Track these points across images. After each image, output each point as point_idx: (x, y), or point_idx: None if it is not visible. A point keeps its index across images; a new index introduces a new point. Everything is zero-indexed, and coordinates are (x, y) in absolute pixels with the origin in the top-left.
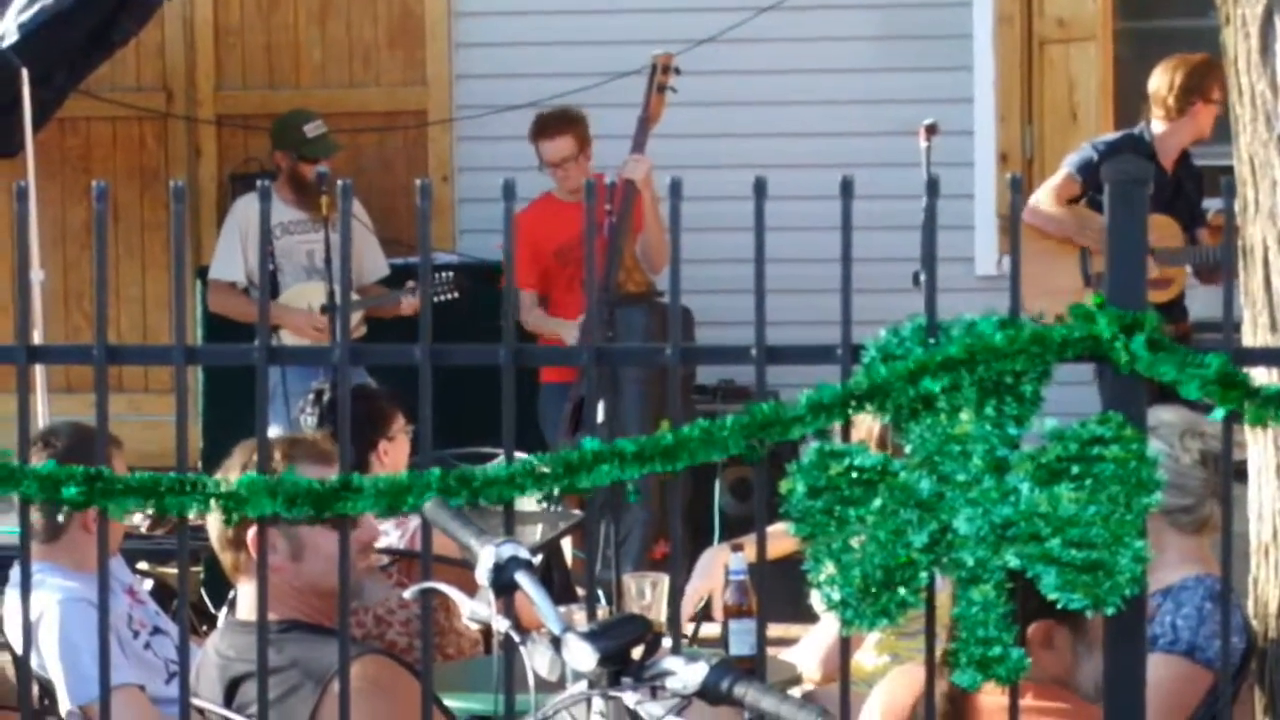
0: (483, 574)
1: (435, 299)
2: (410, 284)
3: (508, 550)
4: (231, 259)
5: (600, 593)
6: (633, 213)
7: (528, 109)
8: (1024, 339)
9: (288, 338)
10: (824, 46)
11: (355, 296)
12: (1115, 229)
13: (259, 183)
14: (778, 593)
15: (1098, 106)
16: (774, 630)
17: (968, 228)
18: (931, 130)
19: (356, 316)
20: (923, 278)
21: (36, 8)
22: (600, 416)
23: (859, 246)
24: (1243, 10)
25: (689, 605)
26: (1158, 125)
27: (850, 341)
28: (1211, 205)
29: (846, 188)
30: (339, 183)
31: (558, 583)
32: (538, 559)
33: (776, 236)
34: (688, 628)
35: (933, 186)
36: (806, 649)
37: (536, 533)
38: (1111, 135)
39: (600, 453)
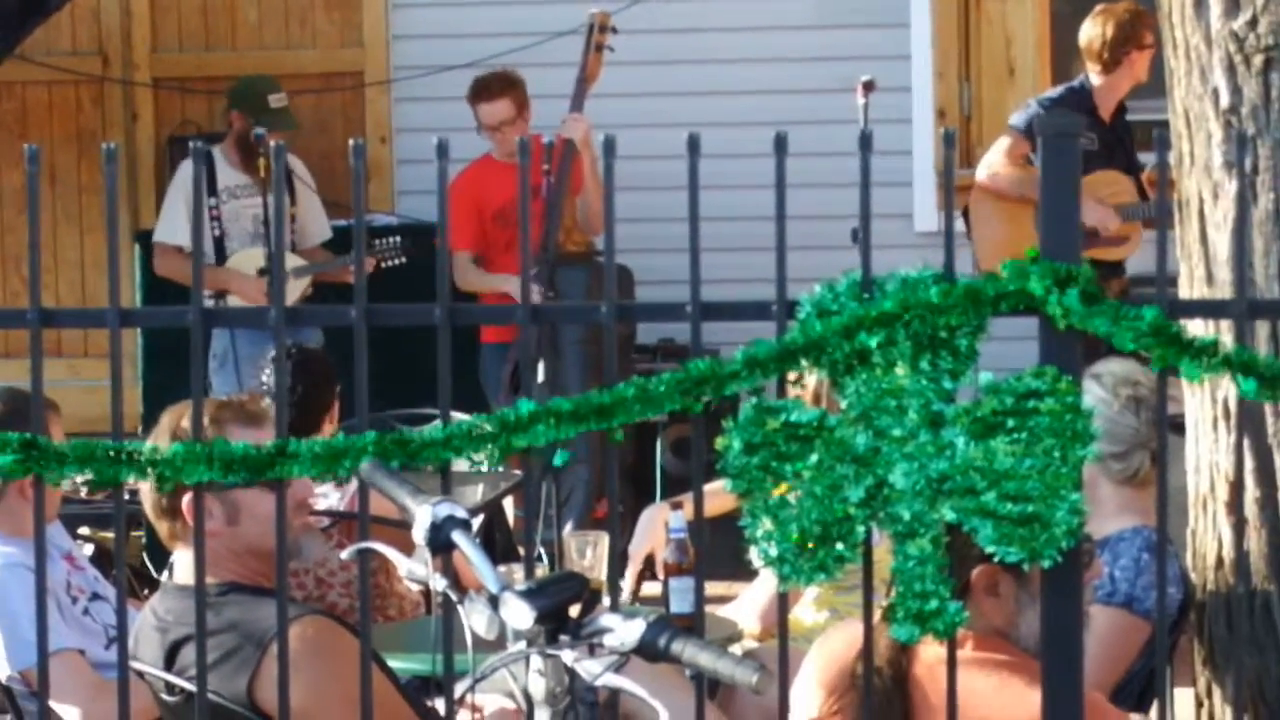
0: (419, 534)
1: (385, 264)
2: (319, 254)
3: (444, 510)
4: (176, 222)
5: (542, 553)
6: (571, 173)
7: (466, 69)
8: (958, 294)
9: (236, 302)
10: (761, 4)
11: (299, 261)
12: (1048, 182)
13: (192, 144)
14: (717, 550)
15: (1035, 62)
16: (714, 588)
17: (905, 184)
18: (869, 87)
19: (303, 281)
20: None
21: None
22: (540, 376)
23: (796, 204)
24: None
25: (632, 564)
26: (1095, 78)
27: (786, 298)
28: (1147, 160)
29: (780, 144)
30: (272, 144)
31: (500, 543)
32: (479, 520)
33: (713, 195)
34: (629, 586)
35: (865, 142)
36: (745, 605)
37: (478, 493)
38: (1054, 90)
39: (536, 412)
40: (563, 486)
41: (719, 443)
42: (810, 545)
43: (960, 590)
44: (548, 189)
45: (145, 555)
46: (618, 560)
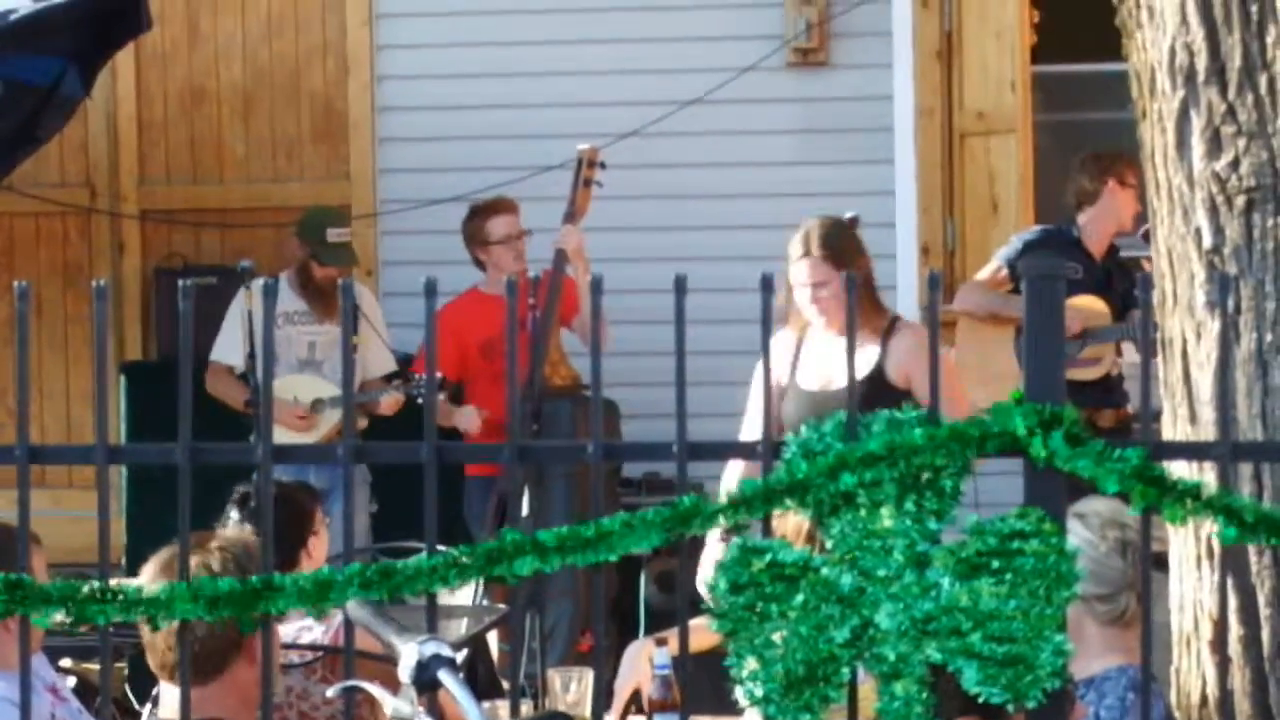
0: (405, 672)
1: (417, 398)
2: (396, 383)
3: (430, 648)
4: (232, 343)
5: (526, 687)
6: (560, 304)
7: (452, 203)
8: (943, 435)
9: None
10: (746, 140)
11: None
12: (1032, 325)
13: (264, 281)
14: (702, 686)
15: (1018, 198)
16: None
17: None
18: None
19: (338, 411)
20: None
21: None
22: (525, 510)
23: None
24: (1159, 105)
25: (617, 700)
26: (1081, 216)
27: (771, 437)
28: None
29: (766, 284)
30: (340, 282)
31: (482, 677)
32: (463, 654)
33: (700, 330)
34: None
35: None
36: None
37: (461, 626)
38: (1037, 228)
39: (521, 544)
40: (546, 620)
41: (705, 582)
42: (796, 685)
43: None
44: (533, 323)
45: (127, 687)
46: (603, 696)
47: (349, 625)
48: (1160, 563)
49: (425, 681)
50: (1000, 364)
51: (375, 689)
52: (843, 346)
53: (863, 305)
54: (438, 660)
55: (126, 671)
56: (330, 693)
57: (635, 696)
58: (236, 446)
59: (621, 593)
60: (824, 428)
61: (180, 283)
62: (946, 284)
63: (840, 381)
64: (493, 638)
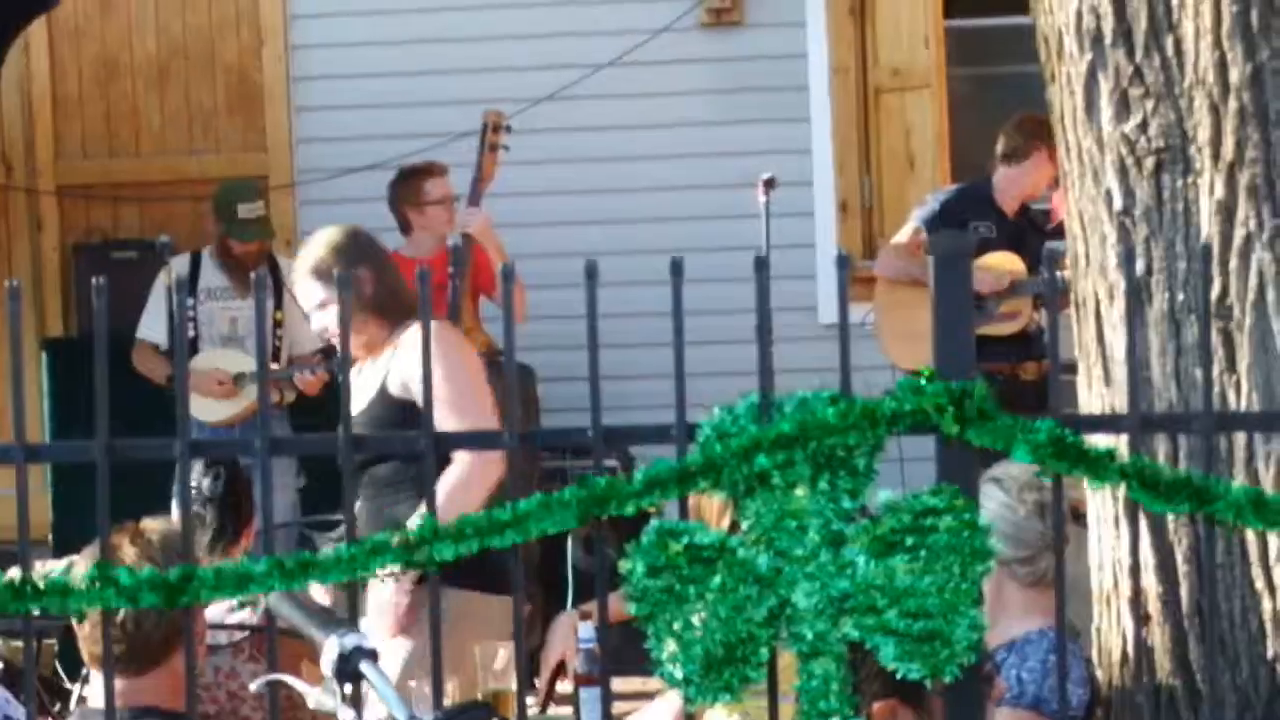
0: (327, 664)
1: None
2: (317, 359)
3: (351, 640)
4: (156, 320)
5: None
6: (471, 271)
7: (369, 171)
8: (855, 414)
9: (195, 399)
10: (662, 101)
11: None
12: (940, 300)
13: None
14: (629, 653)
15: (934, 153)
16: (631, 685)
17: (809, 277)
18: (769, 185)
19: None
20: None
21: None
22: None
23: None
24: (1067, 69)
25: (543, 672)
26: (999, 173)
27: (685, 420)
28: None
29: (676, 268)
30: (253, 275)
31: None
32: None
33: (614, 291)
34: (541, 695)
35: (761, 264)
36: (660, 713)
37: None
38: (953, 186)
39: (439, 529)
40: None
41: (621, 566)
42: (715, 666)
43: (857, 713)
44: (452, 292)
45: (57, 663)
46: (525, 669)
47: (271, 615)
48: (1079, 516)
49: (347, 673)
50: (919, 323)
51: (297, 683)
52: (370, 365)
53: (376, 318)
54: (359, 652)
55: (56, 648)
56: (253, 687)
57: (562, 667)
58: (154, 442)
59: (547, 557)
60: (737, 409)
61: (94, 281)
62: (865, 239)
63: (359, 405)
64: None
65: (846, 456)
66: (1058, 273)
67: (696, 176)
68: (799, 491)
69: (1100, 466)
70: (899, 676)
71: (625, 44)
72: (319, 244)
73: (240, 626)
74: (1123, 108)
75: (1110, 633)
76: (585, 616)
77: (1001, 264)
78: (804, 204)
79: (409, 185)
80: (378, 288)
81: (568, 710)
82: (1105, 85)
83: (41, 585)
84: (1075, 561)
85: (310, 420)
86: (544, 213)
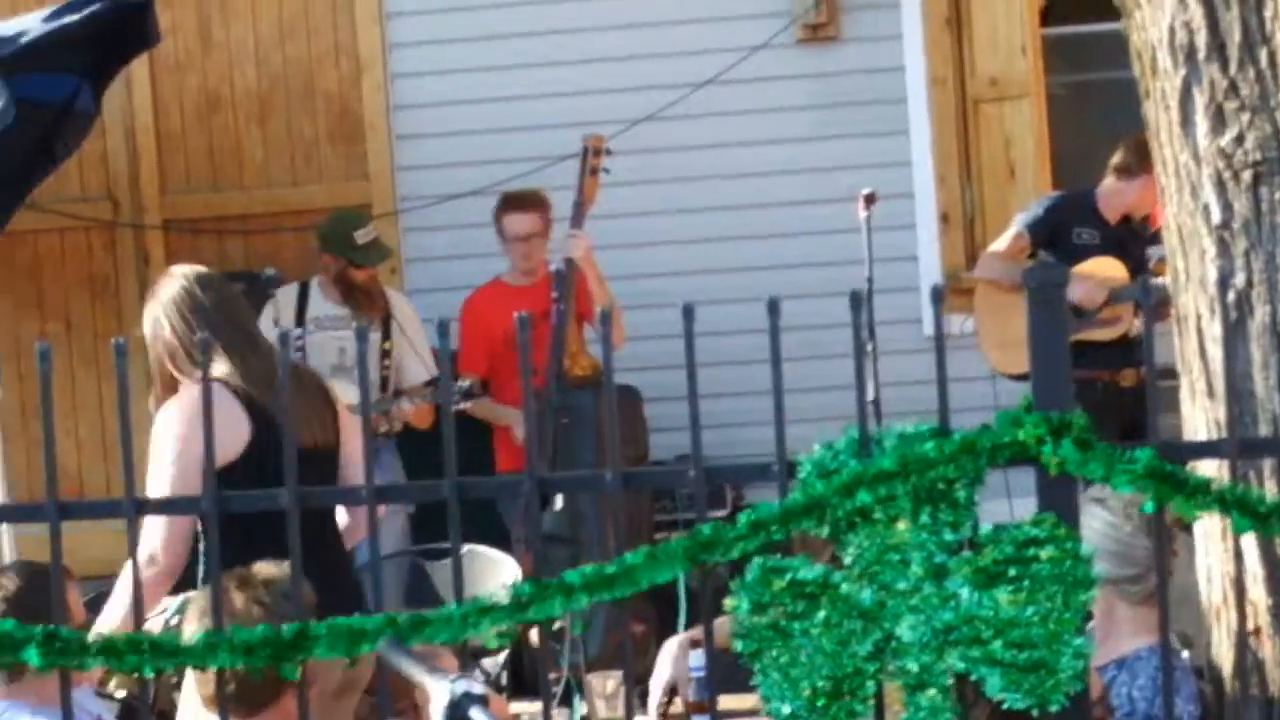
0: (437, 712)
1: (457, 408)
2: (426, 390)
3: (461, 686)
4: None
5: (571, 679)
6: (575, 295)
7: (471, 197)
8: (954, 447)
9: None
10: (760, 118)
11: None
12: (1036, 332)
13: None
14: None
15: (1035, 162)
16: (746, 702)
17: (913, 289)
18: (870, 200)
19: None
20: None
21: None
22: (559, 504)
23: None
24: (1162, 84)
25: (653, 697)
26: (1108, 182)
27: (785, 458)
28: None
29: (773, 308)
30: (354, 326)
31: (526, 670)
32: (505, 653)
33: (718, 310)
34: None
35: (856, 302)
36: None
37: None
38: (1057, 193)
39: (547, 587)
40: (586, 609)
41: (727, 604)
42: (821, 702)
43: None
44: (556, 316)
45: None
46: (632, 697)
47: (380, 664)
48: (1189, 528)
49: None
50: (1016, 329)
51: None
52: None
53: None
54: (469, 698)
55: (175, 679)
56: None
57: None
58: (263, 494)
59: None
60: (837, 445)
61: (196, 337)
62: (967, 250)
63: None
64: (535, 632)
65: (947, 490)
66: (1154, 279)
67: (797, 193)
68: (900, 525)
69: (1199, 495)
70: (1005, 707)
71: (722, 62)
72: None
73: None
74: (1219, 121)
75: (1220, 646)
76: (695, 644)
77: (1103, 270)
78: (905, 217)
79: (497, 214)
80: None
81: None
82: (1200, 100)
83: (158, 645)
84: (1188, 572)
85: (419, 449)
86: (644, 233)
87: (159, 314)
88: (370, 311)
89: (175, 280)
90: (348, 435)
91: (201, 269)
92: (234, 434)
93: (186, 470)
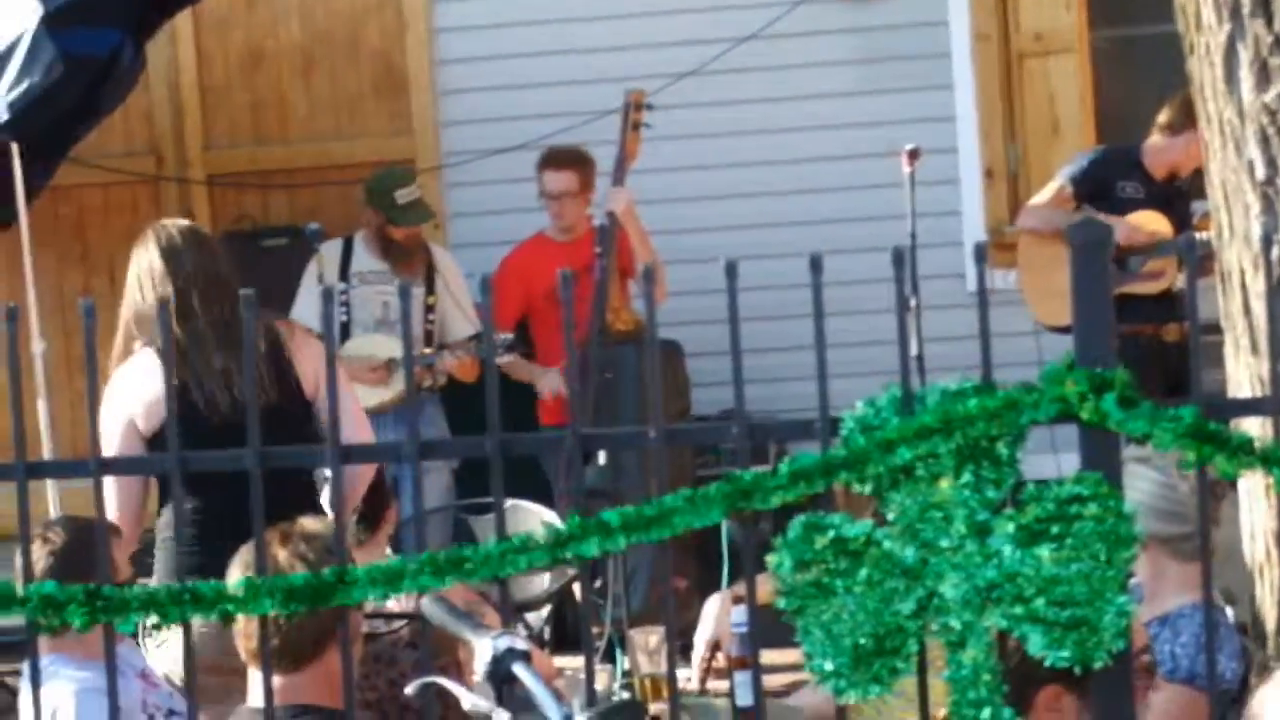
0: (480, 667)
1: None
2: (469, 344)
3: (504, 642)
4: (309, 308)
5: (613, 635)
6: (617, 250)
7: (515, 152)
8: (997, 404)
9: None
10: (804, 73)
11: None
12: (1079, 290)
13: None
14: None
15: (1079, 117)
16: (789, 657)
17: (956, 244)
18: (914, 155)
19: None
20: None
21: (24, 86)
22: (602, 459)
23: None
24: (1206, 39)
25: (697, 653)
26: (1154, 138)
27: (828, 414)
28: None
29: (815, 265)
30: (397, 284)
31: (570, 625)
32: (548, 608)
33: (762, 265)
34: (696, 677)
35: (899, 258)
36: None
37: (544, 582)
38: (1102, 147)
39: (586, 525)
40: (628, 562)
41: (769, 561)
42: (864, 659)
43: (1025, 708)
44: (599, 271)
45: None
46: (674, 654)
47: (425, 622)
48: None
49: (501, 675)
50: (1059, 281)
51: (453, 685)
52: None
53: None
54: (511, 654)
55: None
56: (409, 690)
57: (718, 645)
58: (305, 449)
59: (701, 532)
60: (879, 402)
61: (241, 294)
62: (1011, 205)
63: None
64: (578, 586)
65: (990, 447)
66: (1198, 235)
67: (840, 147)
68: (943, 483)
69: (1241, 453)
70: (1049, 664)
71: (767, 17)
72: None
73: (398, 615)
74: (1263, 77)
75: (1263, 603)
76: (738, 600)
77: (1147, 223)
78: (949, 172)
79: (537, 172)
80: None
81: (725, 685)
82: (1245, 55)
83: (199, 594)
84: (1234, 528)
85: (465, 402)
86: (687, 187)
87: (129, 279)
88: (408, 270)
89: (144, 245)
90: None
91: (174, 225)
92: (156, 405)
93: (110, 442)
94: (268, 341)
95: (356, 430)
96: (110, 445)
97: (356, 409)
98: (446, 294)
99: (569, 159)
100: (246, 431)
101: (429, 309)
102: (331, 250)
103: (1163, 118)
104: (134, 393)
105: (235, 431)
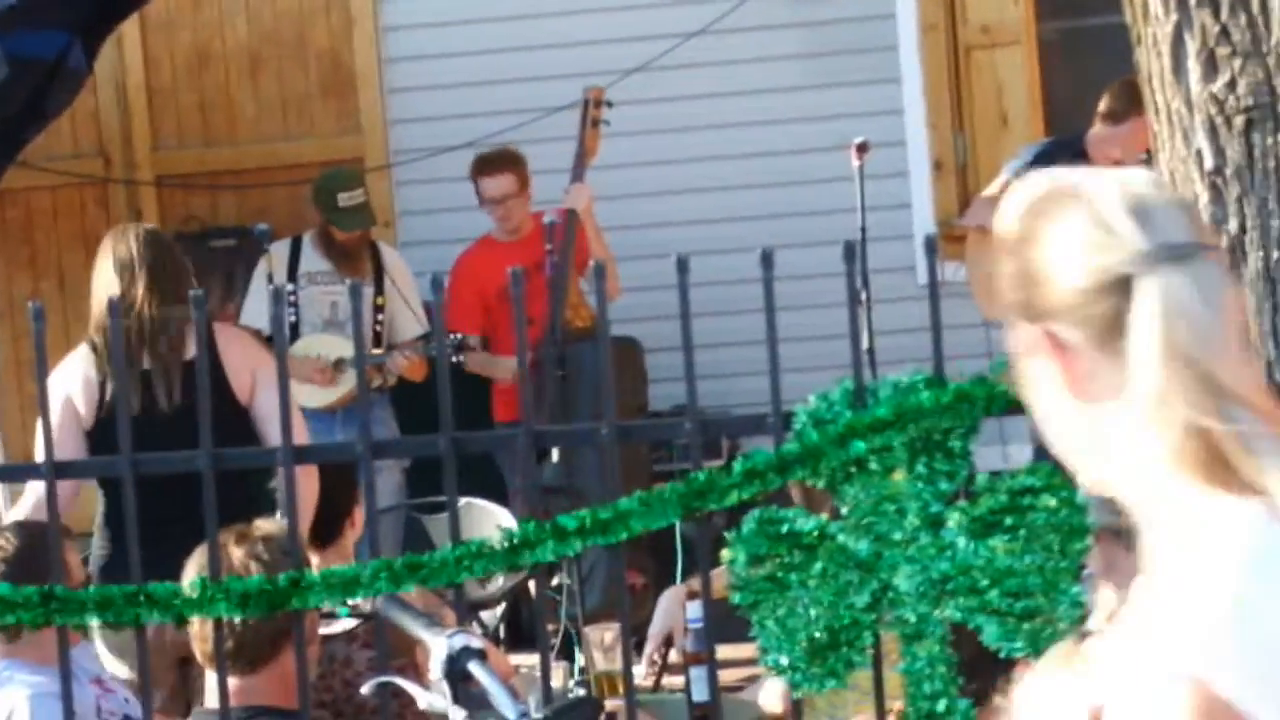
0: (436, 666)
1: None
2: (415, 344)
3: (459, 641)
4: (258, 309)
5: (572, 631)
6: (575, 247)
7: (464, 150)
8: (948, 397)
9: (295, 385)
10: (752, 68)
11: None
12: None
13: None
14: (737, 624)
15: (1027, 109)
16: (744, 651)
17: (906, 237)
18: (862, 149)
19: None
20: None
21: None
22: (555, 457)
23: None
24: (1153, 30)
25: (649, 646)
26: (1096, 129)
27: (781, 408)
28: None
29: (766, 260)
30: (348, 283)
31: (525, 621)
32: (502, 606)
33: (712, 260)
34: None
35: (850, 252)
36: (772, 686)
37: (499, 579)
38: (1046, 140)
39: (542, 530)
40: (584, 558)
41: (723, 556)
42: (820, 652)
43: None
44: (552, 267)
45: None
46: (629, 651)
47: (379, 621)
48: None
49: (456, 674)
50: None
51: (410, 685)
52: None
53: None
54: (467, 652)
55: None
56: (365, 690)
57: (671, 644)
58: (257, 451)
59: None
60: (832, 396)
61: (191, 294)
62: (960, 198)
63: None
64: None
65: (943, 439)
66: None
67: (789, 142)
68: (896, 475)
69: None
70: (1003, 655)
71: (713, 12)
72: None
73: (353, 615)
74: (1210, 68)
75: None
76: (693, 595)
77: None
78: (898, 164)
79: (473, 177)
80: None
81: (680, 681)
82: (1192, 45)
83: (155, 596)
84: None
85: (413, 402)
86: (638, 183)
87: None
88: (353, 270)
89: (102, 249)
90: (261, 392)
91: (131, 229)
92: (89, 400)
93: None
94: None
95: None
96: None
97: (296, 416)
98: (395, 294)
99: (503, 162)
100: (158, 431)
101: (378, 309)
102: (280, 251)
103: (1103, 106)
104: (64, 382)
105: (152, 431)
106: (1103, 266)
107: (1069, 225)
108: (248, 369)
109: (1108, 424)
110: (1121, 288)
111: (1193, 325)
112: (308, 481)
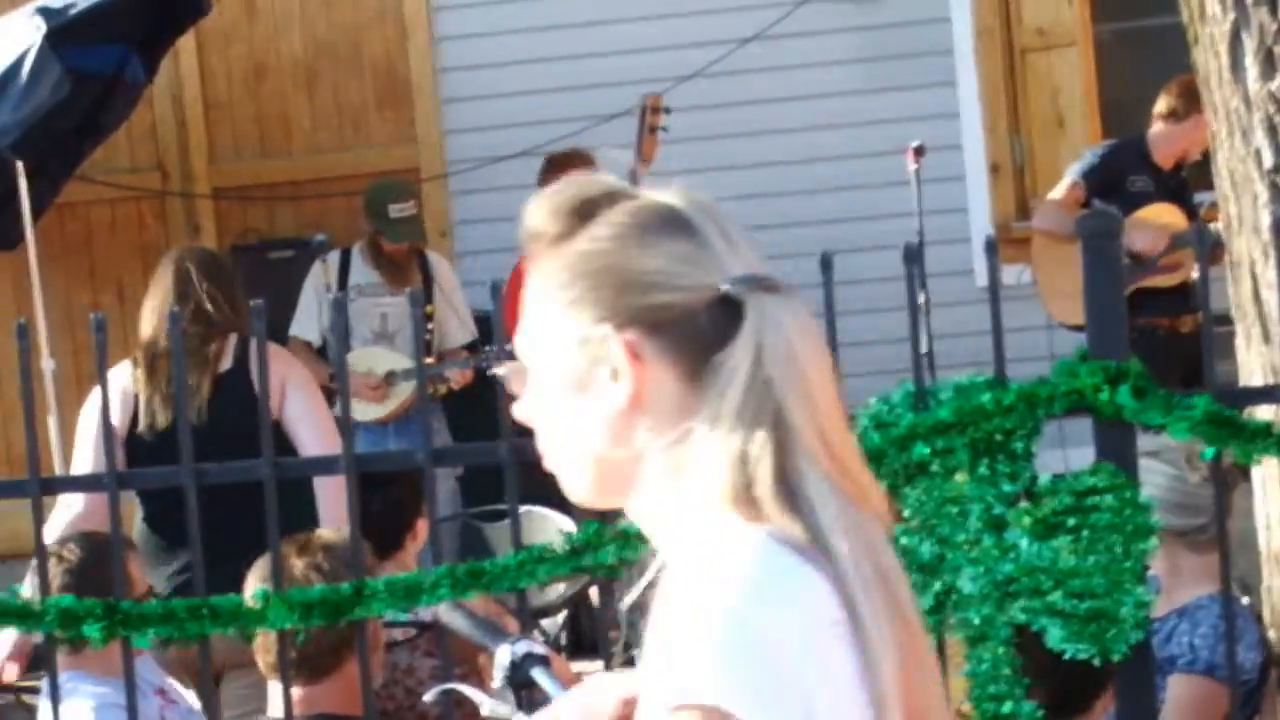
0: (499, 673)
1: (487, 369)
2: (465, 357)
3: (522, 647)
4: (309, 319)
5: (629, 635)
6: None
7: (519, 159)
8: (1011, 398)
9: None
10: (807, 73)
11: (406, 363)
12: (1091, 280)
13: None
14: None
15: (1083, 110)
16: None
17: (964, 240)
18: (919, 152)
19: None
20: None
21: (30, 105)
22: None
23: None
24: (1210, 30)
25: None
26: (1158, 128)
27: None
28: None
29: (826, 263)
30: (408, 292)
31: (586, 630)
32: (564, 614)
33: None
34: None
35: (911, 255)
36: None
37: (560, 587)
38: (1109, 142)
39: (604, 533)
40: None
41: None
42: None
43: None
44: None
45: None
46: None
47: (441, 630)
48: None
49: (519, 681)
50: (1074, 279)
51: (471, 690)
52: None
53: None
54: (530, 659)
55: None
56: (427, 698)
57: None
58: (316, 459)
59: None
60: (893, 398)
61: (252, 304)
62: (1018, 200)
63: None
64: (594, 591)
65: (1005, 441)
66: (1209, 225)
67: (846, 146)
68: (959, 478)
69: (1256, 440)
70: (1067, 657)
71: (769, 17)
72: None
73: (415, 624)
74: (1268, 66)
75: (1278, 592)
76: None
77: (1161, 216)
78: (955, 168)
79: (545, 178)
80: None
81: None
82: (1250, 44)
83: (216, 609)
84: (1247, 518)
85: (464, 411)
86: (694, 190)
87: None
88: (400, 281)
89: (159, 269)
90: (290, 396)
91: (187, 249)
92: (124, 412)
93: (88, 437)
94: (234, 358)
95: (326, 444)
96: (88, 439)
97: (328, 423)
98: (443, 302)
99: (574, 162)
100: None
101: (428, 318)
102: (331, 261)
103: (1162, 106)
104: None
105: (171, 447)
106: (710, 284)
107: (661, 233)
108: (277, 377)
109: (647, 439)
110: (728, 306)
111: (787, 355)
112: (339, 493)
